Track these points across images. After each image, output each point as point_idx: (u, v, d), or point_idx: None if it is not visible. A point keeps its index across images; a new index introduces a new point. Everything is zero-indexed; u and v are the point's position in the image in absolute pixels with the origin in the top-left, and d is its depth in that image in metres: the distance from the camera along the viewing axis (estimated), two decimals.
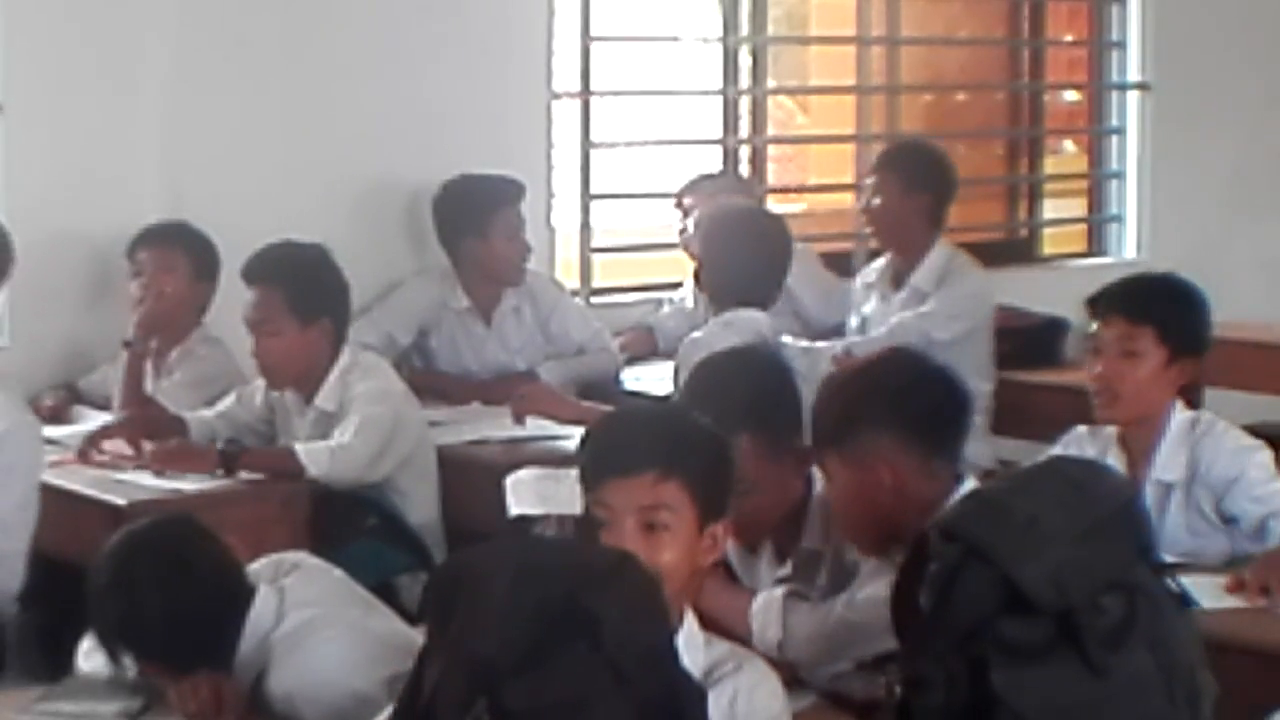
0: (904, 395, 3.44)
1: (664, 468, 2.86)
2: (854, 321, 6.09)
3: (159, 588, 3.28)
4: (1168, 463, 4.12)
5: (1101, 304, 4.17)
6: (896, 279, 6.02)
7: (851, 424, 3.40)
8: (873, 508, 3.38)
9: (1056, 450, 4.14)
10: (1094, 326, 4.20)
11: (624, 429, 3.03)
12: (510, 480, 2.60)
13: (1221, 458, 4.11)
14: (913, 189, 5.95)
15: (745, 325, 5.02)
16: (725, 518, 2.94)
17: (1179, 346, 4.12)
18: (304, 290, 4.92)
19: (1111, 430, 4.20)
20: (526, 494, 2.60)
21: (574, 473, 2.73)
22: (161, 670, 3.32)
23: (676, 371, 5.05)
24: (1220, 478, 4.10)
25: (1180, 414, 4.15)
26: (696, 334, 5.09)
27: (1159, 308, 4.14)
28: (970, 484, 3.39)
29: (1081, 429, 4.27)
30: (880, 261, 6.16)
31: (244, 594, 3.36)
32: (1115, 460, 4.07)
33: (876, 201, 6.02)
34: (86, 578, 3.36)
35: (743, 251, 5.20)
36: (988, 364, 6.00)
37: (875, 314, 6.02)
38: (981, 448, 5.84)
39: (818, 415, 3.49)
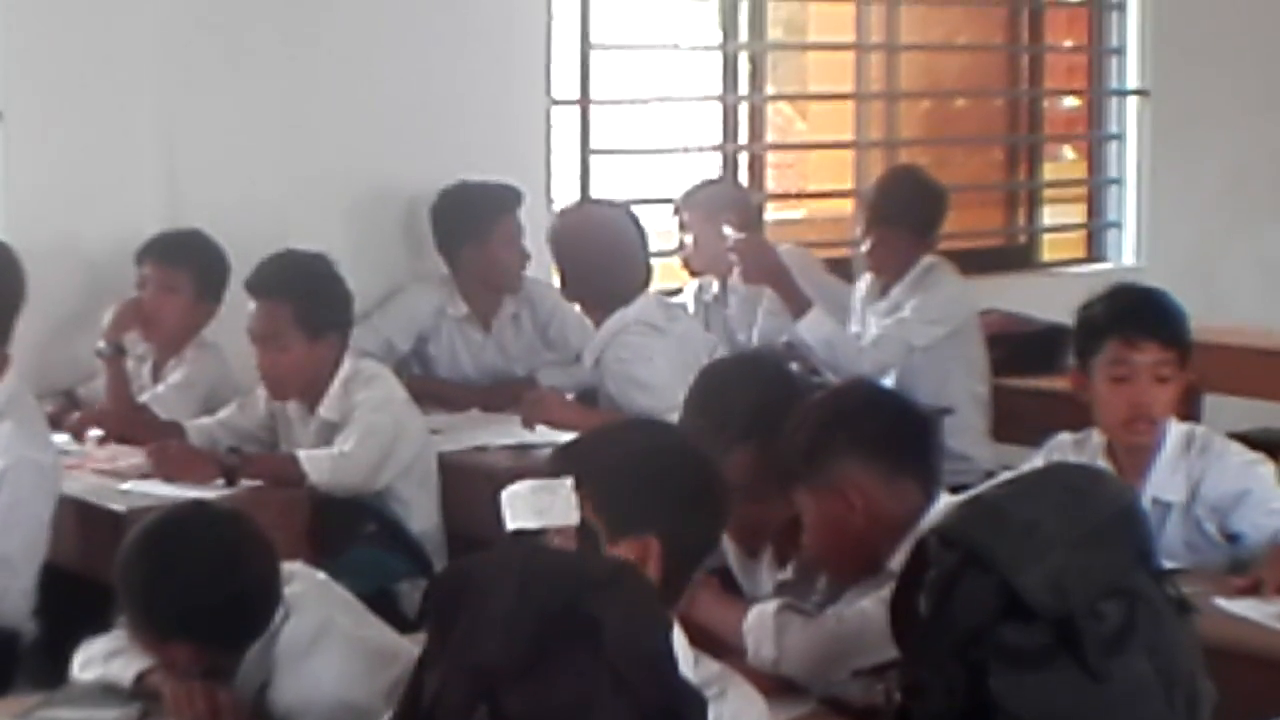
0: (861, 418, 3.50)
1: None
2: (852, 331, 6.08)
3: (225, 560, 3.25)
4: (1165, 481, 4.02)
5: (1129, 327, 4.01)
6: (883, 289, 6.01)
7: (815, 455, 3.44)
8: (846, 535, 3.41)
9: (1039, 459, 4.07)
10: (1105, 346, 4.01)
11: None
12: (505, 494, 2.60)
13: (1226, 476, 4.02)
14: (899, 225, 5.88)
15: (636, 313, 5.18)
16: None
17: (1186, 365, 4.06)
18: (312, 305, 4.89)
19: (1099, 440, 4.11)
20: (522, 508, 2.59)
21: (569, 482, 2.72)
22: (182, 650, 3.29)
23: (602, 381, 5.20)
24: (1225, 496, 4.01)
25: (1175, 428, 4.06)
26: (620, 349, 5.18)
27: (1183, 332, 4.06)
28: (944, 500, 3.41)
29: (1065, 436, 4.19)
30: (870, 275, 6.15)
31: (279, 591, 3.35)
32: None
33: (866, 246, 5.97)
34: (135, 543, 3.29)
35: (596, 247, 5.32)
36: (980, 366, 6.00)
37: (864, 325, 6.02)
38: (982, 450, 5.84)
39: (785, 454, 3.52)
